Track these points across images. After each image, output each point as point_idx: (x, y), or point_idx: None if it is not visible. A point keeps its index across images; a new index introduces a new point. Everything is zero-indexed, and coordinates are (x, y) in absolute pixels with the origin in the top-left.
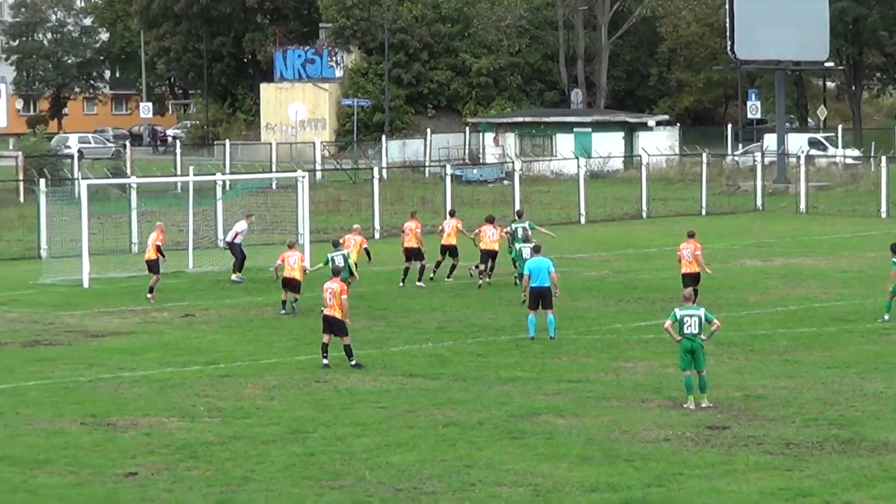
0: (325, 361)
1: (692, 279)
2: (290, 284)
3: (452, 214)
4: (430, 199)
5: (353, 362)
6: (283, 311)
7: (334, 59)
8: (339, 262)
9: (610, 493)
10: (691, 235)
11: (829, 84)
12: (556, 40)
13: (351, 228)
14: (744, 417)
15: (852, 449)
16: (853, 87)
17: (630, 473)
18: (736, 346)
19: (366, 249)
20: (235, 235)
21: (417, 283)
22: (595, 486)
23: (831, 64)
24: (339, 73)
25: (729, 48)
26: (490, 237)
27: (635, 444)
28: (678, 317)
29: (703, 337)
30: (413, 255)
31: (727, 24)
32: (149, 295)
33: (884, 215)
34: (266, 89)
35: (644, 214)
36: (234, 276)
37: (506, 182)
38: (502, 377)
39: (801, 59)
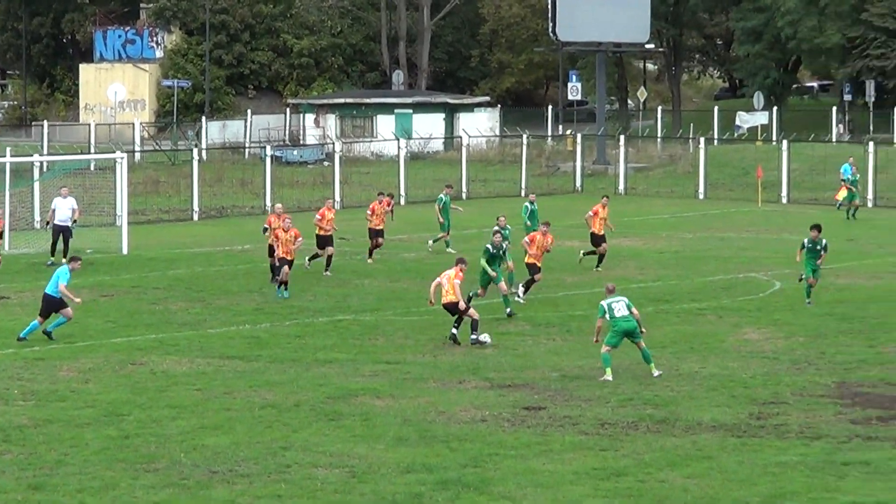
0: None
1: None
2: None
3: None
4: (249, 181)
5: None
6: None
7: (155, 39)
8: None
9: (425, 473)
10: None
11: (650, 66)
12: (378, 21)
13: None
14: (560, 398)
15: (666, 428)
16: (673, 69)
17: (446, 454)
18: (553, 327)
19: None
20: (53, 213)
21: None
22: (411, 467)
23: (652, 46)
24: (159, 53)
25: (550, 30)
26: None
27: (451, 426)
28: (606, 306)
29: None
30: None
31: (549, 6)
32: None
33: (701, 196)
34: (85, 70)
35: (464, 195)
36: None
37: (326, 163)
38: (319, 359)
39: (623, 40)
